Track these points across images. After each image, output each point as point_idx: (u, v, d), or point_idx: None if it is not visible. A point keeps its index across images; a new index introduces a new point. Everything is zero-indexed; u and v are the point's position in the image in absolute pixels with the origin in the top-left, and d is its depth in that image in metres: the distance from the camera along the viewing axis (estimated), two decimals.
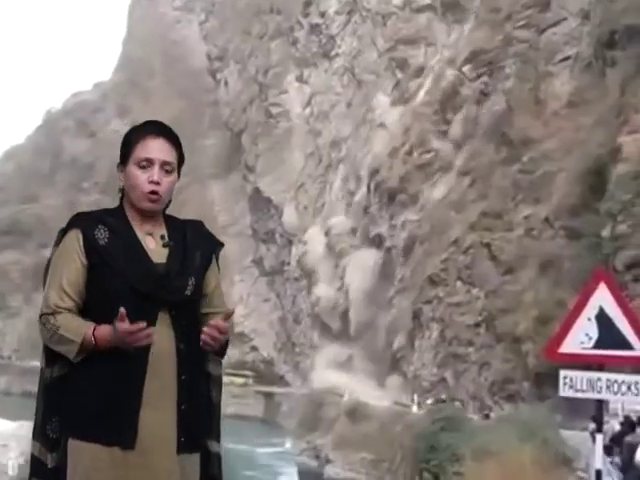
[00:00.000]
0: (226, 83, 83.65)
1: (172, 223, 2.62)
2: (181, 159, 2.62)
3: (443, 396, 39.53)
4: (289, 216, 71.62)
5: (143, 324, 2.36)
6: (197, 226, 2.65)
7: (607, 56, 39.37)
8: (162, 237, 2.55)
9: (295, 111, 73.30)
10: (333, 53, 70.34)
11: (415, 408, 39.17)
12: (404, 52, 61.62)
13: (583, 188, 34.67)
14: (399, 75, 61.92)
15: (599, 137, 34.25)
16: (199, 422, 2.54)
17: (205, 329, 2.44)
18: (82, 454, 2.39)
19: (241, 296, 78.26)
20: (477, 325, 40.94)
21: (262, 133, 75.09)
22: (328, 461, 40.30)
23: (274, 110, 74.60)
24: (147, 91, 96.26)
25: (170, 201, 2.62)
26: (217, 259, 2.67)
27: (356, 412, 41.43)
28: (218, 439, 2.64)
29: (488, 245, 42.35)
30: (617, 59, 37.62)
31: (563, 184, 37.17)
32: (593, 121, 36.89)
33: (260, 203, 76.04)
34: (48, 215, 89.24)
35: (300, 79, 73.21)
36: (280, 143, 73.43)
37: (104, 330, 2.39)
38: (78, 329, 2.40)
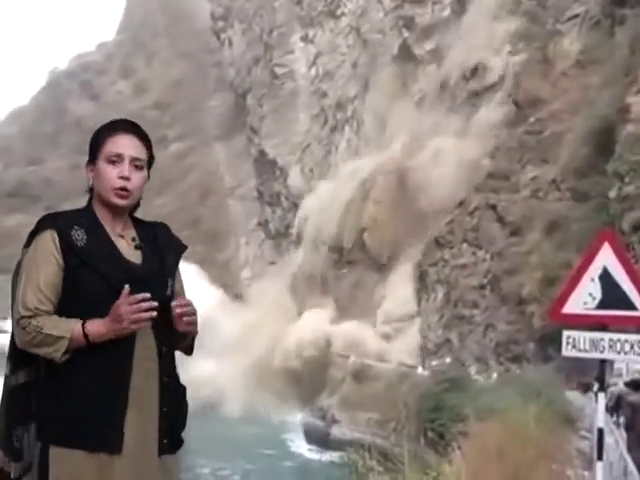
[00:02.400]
0: (230, 43, 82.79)
1: (140, 225, 2.60)
2: (151, 158, 2.59)
3: (448, 358, 39.77)
4: (294, 179, 71.41)
5: (147, 295, 2.34)
6: (165, 229, 2.65)
7: (616, 14, 38.77)
8: (133, 239, 2.53)
9: (300, 71, 72.67)
10: (339, 12, 69.47)
11: (420, 369, 39.47)
12: (410, 10, 60.79)
13: (590, 149, 34.39)
14: (405, 34, 61.17)
15: (607, 97, 33.86)
16: (178, 423, 2.55)
17: (178, 310, 2.43)
18: (66, 462, 2.34)
19: (247, 259, 78.46)
20: (482, 287, 41.01)
21: (267, 94, 74.53)
22: (334, 421, 40.76)
23: (279, 71, 73.96)
24: (151, 52, 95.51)
25: (139, 203, 2.59)
26: (178, 262, 2.68)
27: (362, 373, 41.77)
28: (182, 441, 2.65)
29: (494, 207, 42.20)
30: (626, 17, 37.03)
31: (570, 145, 36.88)
32: (601, 81, 36.47)
33: (265, 165, 75.77)
34: (54, 178, 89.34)
35: (305, 39, 72.42)
36: (285, 104, 72.92)
37: (96, 322, 2.35)
38: (65, 326, 2.35)
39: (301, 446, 42.27)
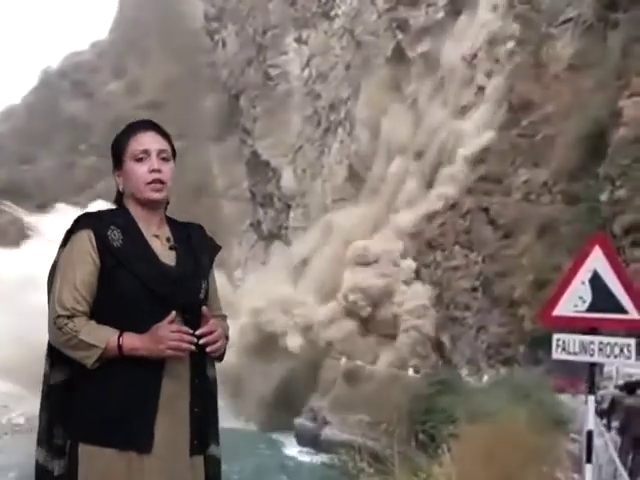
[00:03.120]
0: (224, 44, 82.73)
1: (175, 226, 2.62)
2: (173, 152, 2.62)
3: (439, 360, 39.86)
4: (287, 180, 71.39)
5: (190, 331, 2.38)
6: (200, 230, 2.68)
7: (609, 18, 38.97)
8: (168, 239, 2.55)
9: (294, 73, 72.66)
10: (333, 13, 69.51)
11: (411, 371, 39.51)
12: (404, 12, 60.89)
13: (582, 152, 34.54)
14: (399, 36, 61.27)
15: (599, 101, 34.02)
16: (208, 425, 2.56)
17: (202, 340, 2.45)
18: (95, 460, 2.35)
19: (239, 260, 78.38)
20: (474, 289, 41.13)
21: (260, 95, 74.49)
22: (326, 423, 40.78)
23: (272, 72, 73.94)
24: (144, 51, 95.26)
25: (168, 202, 2.62)
26: (212, 263, 2.70)
27: (353, 375, 41.79)
28: (219, 442, 2.63)
29: (486, 209, 42.35)
30: (619, 21, 37.23)
31: (562, 148, 37.04)
32: (593, 84, 36.64)
33: (258, 166, 75.72)
34: (46, 177, 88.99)
35: (299, 40, 72.43)
36: (278, 105, 72.89)
37: (132, 337, 2.36)
38: (101, 334, 2.36)
39: (292, 447, 42.26)
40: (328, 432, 39.55)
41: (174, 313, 2.36)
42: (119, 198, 2.58)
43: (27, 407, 40.76)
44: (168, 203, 2.63)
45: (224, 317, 2.67)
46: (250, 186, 78.91)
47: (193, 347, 2.40)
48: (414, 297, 45.04)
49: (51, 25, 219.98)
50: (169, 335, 2.35)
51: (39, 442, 2.47)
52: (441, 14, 58.74)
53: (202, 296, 2.54)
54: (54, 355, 2.45)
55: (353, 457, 7.86)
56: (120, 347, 2.35)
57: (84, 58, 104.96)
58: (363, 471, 7.52)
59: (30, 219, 72.75)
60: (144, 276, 2.42)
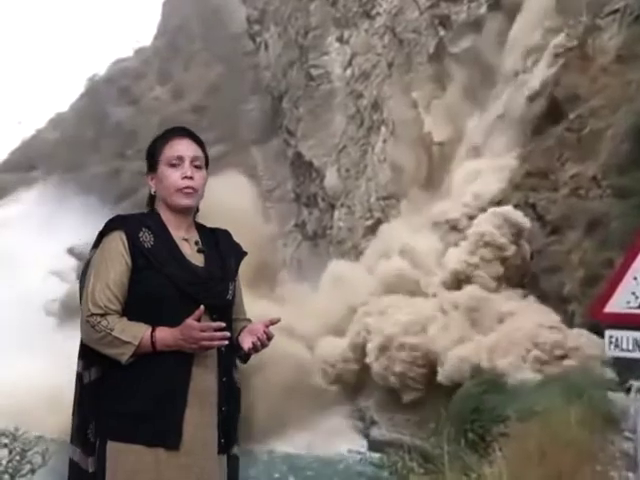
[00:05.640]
0: (266, 46, 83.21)
1: (203, 230, 2.70)
2: (207, 159, 2.67)
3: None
4: (331, 180, 71.45)
5: (222, 324, 2.43)
6: (227, 235, 2.73)
7: None
8: (196, 243, 2.62)
9: (336, 73, 72.74)
10: (374, 12, 69.38)
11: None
12: (446, 9, 60.46)
13: (632, 145, 33.87)
14: (441, 33, 60.85)
15: None
16: (234, 424, 2.60)
17: (259, 335, 2.51)
18: (123, 456, 2.40)
19: (284, 260, 78.70)
20: (523, 286, 40.58)
21: (303, 96, 74.74)
22: (373, 423, 40.63)
23: (314, 72, 74.10)
24: (187, 56, 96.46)
25: (198, 208, 2.67)
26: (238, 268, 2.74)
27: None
28: (239, 442, 2.67)
29: (533, 205, 41.76)
30: None
31: (611, 142, 36.35)
32: None
33: (302, 167, 75.94)
34: (93, 184, 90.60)
35: (340, 40, 72.48)
36: (321, 106, 73.03)
37: (164, 332, 2.42)
38: (134, 331, 2.42)
39: (340, 447, 42.19)
40: (376, 432, 39.41)
41: (202, 307, 2.40)
42: (151, 201, 2.61)
43: None
44: (198, 210, 2.66)
45: (249, 321, 2.69)
46: (294, 187, 79.15)
47: (226, 342, 2.41)
48: None
49: (96, 33, 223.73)
50: (200, 335, 2.38)
51: (73, 440, 2.55)
52: (483, 9, 58.16)
53: (230, 297, 2.56)
54: (89, 355, 2.47)
55: (402, 457, 7.83)
56: (153, 343, 2.37)
57: (129, 65, 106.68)
58: (413, 471, 7.48)
59: None
60: (174, 277, 2.47)
